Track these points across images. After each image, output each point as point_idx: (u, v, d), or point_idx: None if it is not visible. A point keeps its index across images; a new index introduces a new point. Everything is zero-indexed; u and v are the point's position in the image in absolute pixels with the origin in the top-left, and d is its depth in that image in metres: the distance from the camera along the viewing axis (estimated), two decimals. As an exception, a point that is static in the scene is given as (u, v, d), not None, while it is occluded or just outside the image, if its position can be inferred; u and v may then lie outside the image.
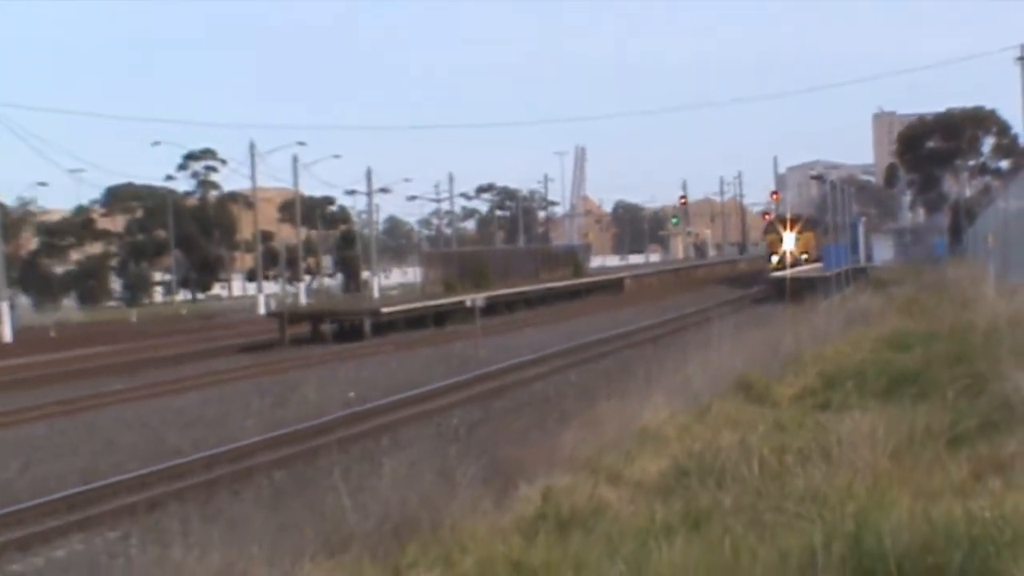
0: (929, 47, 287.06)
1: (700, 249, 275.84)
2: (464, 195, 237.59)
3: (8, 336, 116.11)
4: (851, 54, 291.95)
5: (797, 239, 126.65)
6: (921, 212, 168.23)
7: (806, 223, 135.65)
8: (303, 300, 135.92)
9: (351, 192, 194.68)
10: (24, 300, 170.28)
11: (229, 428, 42.14)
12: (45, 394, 60.13)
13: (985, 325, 39.15)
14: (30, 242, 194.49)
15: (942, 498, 17.06)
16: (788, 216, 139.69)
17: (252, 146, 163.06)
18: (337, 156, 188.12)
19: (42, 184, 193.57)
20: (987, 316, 41.92)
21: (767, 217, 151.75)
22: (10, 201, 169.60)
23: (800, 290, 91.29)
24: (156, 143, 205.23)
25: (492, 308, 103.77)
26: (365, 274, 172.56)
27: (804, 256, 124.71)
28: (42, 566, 24.10)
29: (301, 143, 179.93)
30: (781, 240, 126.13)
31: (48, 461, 38.58)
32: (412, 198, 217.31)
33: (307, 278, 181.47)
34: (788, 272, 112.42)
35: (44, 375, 72.70)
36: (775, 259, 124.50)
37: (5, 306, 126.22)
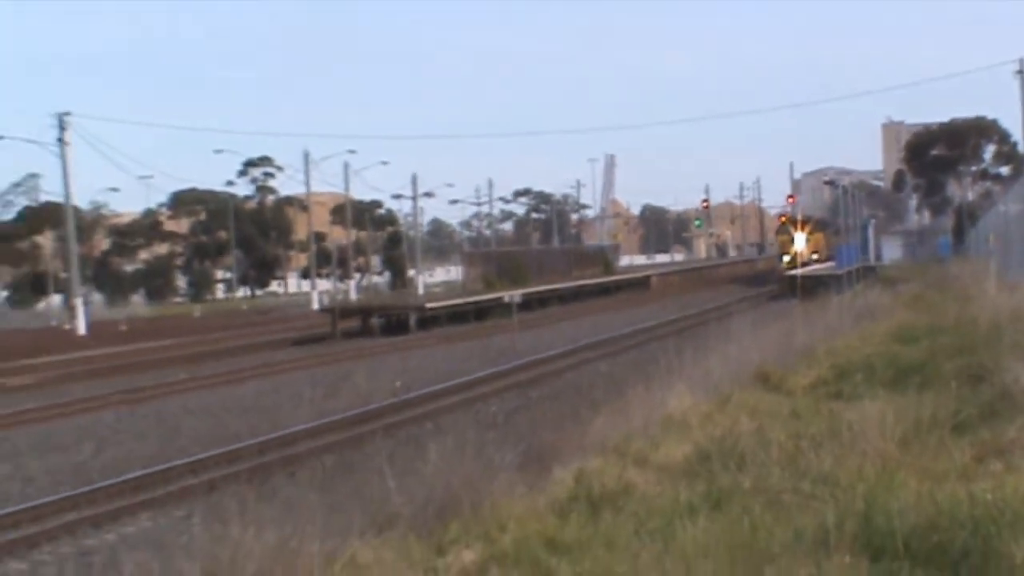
0: (936, 60, 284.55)
1: (721, 249, 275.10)
2: (502, 199, 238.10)
3: (83, 330, 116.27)
4: (862, 67, 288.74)
5: (808, 240, 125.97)
6: (927, 215, 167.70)
7: (816, 225, 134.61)
8: (353, 296, 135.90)
9: (398, 196, 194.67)
10: (97, 297, 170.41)
11: (284, 415, 42.18)
12: (116, 383, 60.22)
13: (987, 320, 39.09)
14: (102, 243, 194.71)
15: (946, 481, 17.10)
16: (799, 218, 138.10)
17: (306, 154, 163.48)
18: (385, 163, 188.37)
19: (113, 189, 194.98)
20: (989, 311, 41.83)
21: (781, 219, 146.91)
22: (84, 205, 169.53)
23: (814, 287, 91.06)
24: (218, 151, 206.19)
25: (528, 304, 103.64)
26: (411, 272, 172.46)
27: (814, 256, 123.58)
28: (114, 542, 24.18)
29: (351, 151, 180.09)
30: (792, 241, 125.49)
31: (118, 445, 38.69)
32: (454, 202, 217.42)
33: (357, 276, 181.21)
34: (801, 271, 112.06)
35: (115, 366, 72.76)
36: (787, 259, 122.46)
37: (80, 302, 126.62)
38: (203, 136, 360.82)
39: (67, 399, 53.73)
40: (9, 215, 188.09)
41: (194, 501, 26.69)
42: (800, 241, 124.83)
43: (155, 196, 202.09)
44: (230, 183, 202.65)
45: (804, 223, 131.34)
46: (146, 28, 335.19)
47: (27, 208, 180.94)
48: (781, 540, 14.67)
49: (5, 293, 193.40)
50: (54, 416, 48.00)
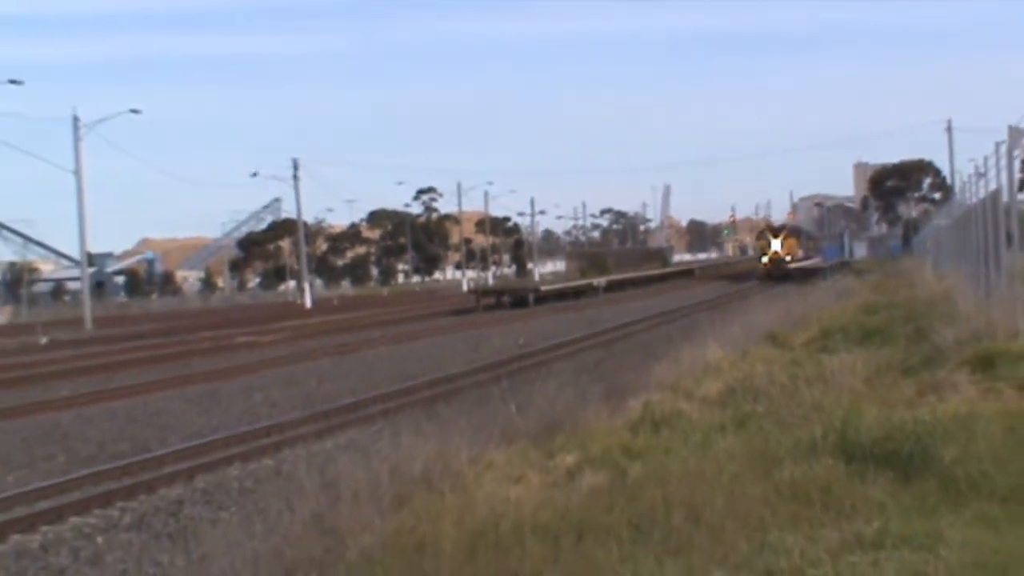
0: (891, 117, 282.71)
1: (743, 250, 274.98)
2: (592, 215, 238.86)
3: (309, 304, 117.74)
4: (840, 123, 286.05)
5: (783, 243, 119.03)
6: (884, 226, 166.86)
7: (789, 232, 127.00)
8: (490, 281, 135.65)
9: (521, 214, 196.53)
10: (318, 282, 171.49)
11: (445, 362, 42.18)
12: (331, 340, 60.39)
13: (925, 298, 38.91)
14: (322, 246, 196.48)
15: (897, 407, 16.92)
16: (776, 226, 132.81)
17: (459, 185, 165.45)
18: (513, 191, 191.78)
19: (329, 210, 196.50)
20: (926, 292, 41.65)
21: (761, 227, 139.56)
22: (310, 220, 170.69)
23: (808, 276, 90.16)
24: (399, 183, 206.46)
25: (610, 288, 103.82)
26: (530, 266, 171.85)
27: (787, 256, 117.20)
28: (331, 448, 24.11)
29: (490, 182, 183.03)
30: (770, 244, 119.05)
31: (333, 381, 38.71)
32: (559, 217, 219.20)
33: (492, 268, 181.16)
34: (801, 264, 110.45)
35: (330, 328, 72.98)
36: (764, 259, 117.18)
37: (307, 285, 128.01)
38: (389, 171, 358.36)
39: (299, 351, 53.96)
40: (261, 227, 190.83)
41: (384, 420, 26.64)
42: (776, 244, 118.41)
43: (357, 214, 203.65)
44: (407, 204, 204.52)
45: (779, 230, 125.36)
46: (363, 99, 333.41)
47: (273, 222, 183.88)
48: (784, 448, 14.54)
49: (258, 279, 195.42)
50: (291, 362, 48.25)
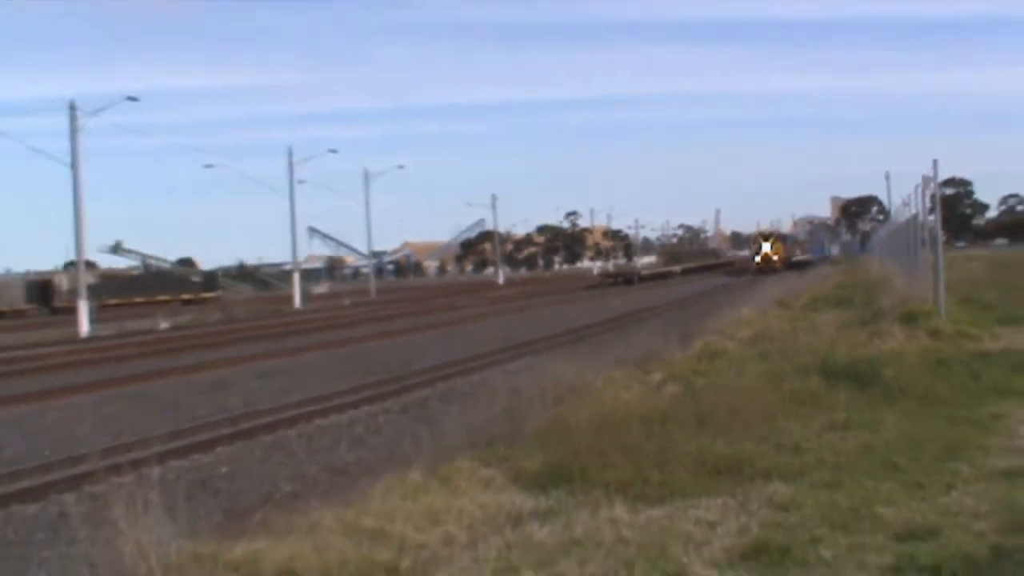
0: (860, 166, 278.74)
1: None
2: (674, 227, 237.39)
3: (501, 281, 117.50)
4: (823, 170, 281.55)
5: (772, 246, 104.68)
6: (850, 236, 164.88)
7: (777, 238, 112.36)
8: (610, 268, 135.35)
9: (630, 228, 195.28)
10: (507, 268, 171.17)
11: (578, 319, 41.86)
12: (515, 304, 60.30)
13: (873, 279, 38.32)
14: (508, 247, 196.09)
15: (857, 346, 16.80)
16: (766, 233, 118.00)
17: (591, 209, 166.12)
18: (624, 214, 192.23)
19: (513, 225, 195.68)
20: (874, 276, 40.96)
21: (757, 234, 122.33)
22: (502, 231, 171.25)
23: (803, 266, 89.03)
24: (556, 208, 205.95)
25: (683, 272, 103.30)
26: (634, 259, 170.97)
27: (775, 256, 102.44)
28: (514, 368, 23.90)
29: (611, 210, 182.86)
30: (761, 247, 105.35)
31: (515, 329, 38.57)
32: (652, 229, 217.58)
33: (612, 260, 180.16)
34: (798, 258, 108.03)
35: (513, 296, 72.94)
36: (757, 258, 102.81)
37: (500, 270, 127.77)
38: (550, 200, 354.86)
39: (495, 309, 54.17)
40: (473, 235, 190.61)
41: (545, 353, 26.42)
42: (766, 247, 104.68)
43: (530, 227, 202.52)
44: (561, 221, 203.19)
45: (769, 236, 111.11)
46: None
47: (480, 232, 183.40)
48: (788, 370, 14.41)
49: (471, 267, 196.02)
50: (490, 316, 48.42)
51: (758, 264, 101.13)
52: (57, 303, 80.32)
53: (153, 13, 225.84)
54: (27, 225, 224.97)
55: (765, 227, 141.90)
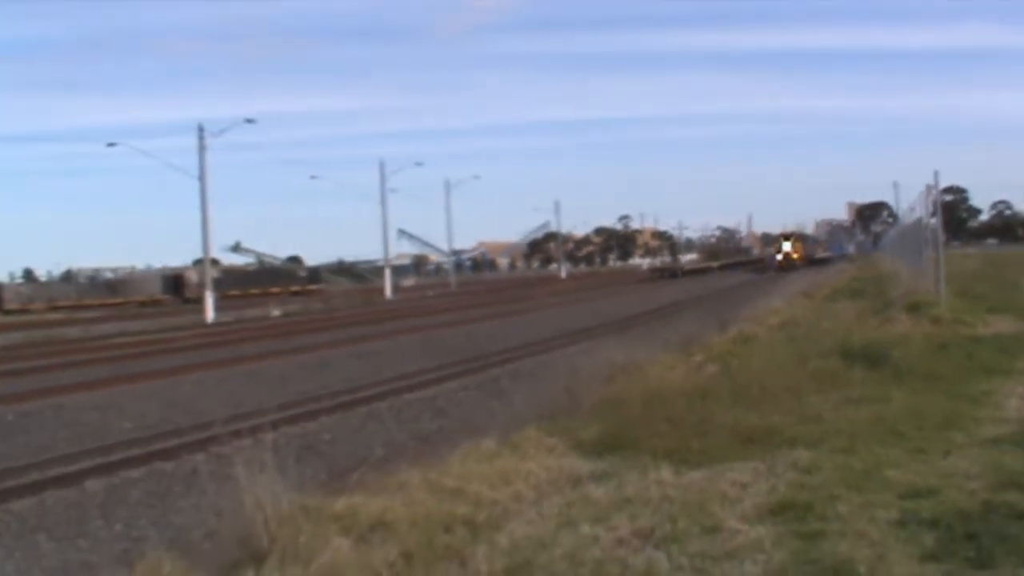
0: (874, 175, 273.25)
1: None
2: (713, 229, 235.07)
3: (563, 276, 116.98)
4: (842, 178, 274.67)
5: (792, 245, 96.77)
6: (864, 237, 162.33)
7: (797, 237, 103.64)
8: (658, 264, 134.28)
9: (675, 229, 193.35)
10: (568, 264, 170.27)
11: (628, 308, 41.78)
12: (572, 296, 60.17)
13: (884, 273, 37.76)
14: (570, 246, 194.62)
15: (870, 330, 16.63)
16: (786, 233, 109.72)
17: (641, 214, 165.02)
18: (671, 217, 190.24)
19: (574, 227, 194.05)
20: (885, 271, 40.33)
21: (779, 235, 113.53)
22: (564, 232, 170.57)
23: (823, 263, 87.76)
24: (612, 212, 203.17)
25: (721, 268, 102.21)
26: (678, 256, 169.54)
27: (795, 255, 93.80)
28: (573, 351, 23.86)
29: (658, 214, 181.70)
30: (782, 246, 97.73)
31: (573, 316, 38.46)
32: (694, 231, 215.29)
33: (659, 258, 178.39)
34: (818, 255, 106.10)
35: (572, 289, 72.83)
36: (779, 257, 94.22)
37: (562, 266, 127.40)
38: (606, 204, 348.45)
39: (557, 300, 54.08)
40: (539, 235, 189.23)
41: (601, 337, 26.39)
42: (787, 246, 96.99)
43: (587, 228, 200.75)
44: (615, 223, 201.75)
45: (790, 236, 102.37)
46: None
47: (544, 234, 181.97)
48: (812, 352, 14.19)
49: (538, 264, 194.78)
50: (552, 306, 48.33)
51: (779, 263, 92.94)
52: (187, 294, 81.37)
53: (268, 48, 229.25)
54: (162, 228, 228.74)
55: (791, 228, 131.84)
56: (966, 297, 23.54)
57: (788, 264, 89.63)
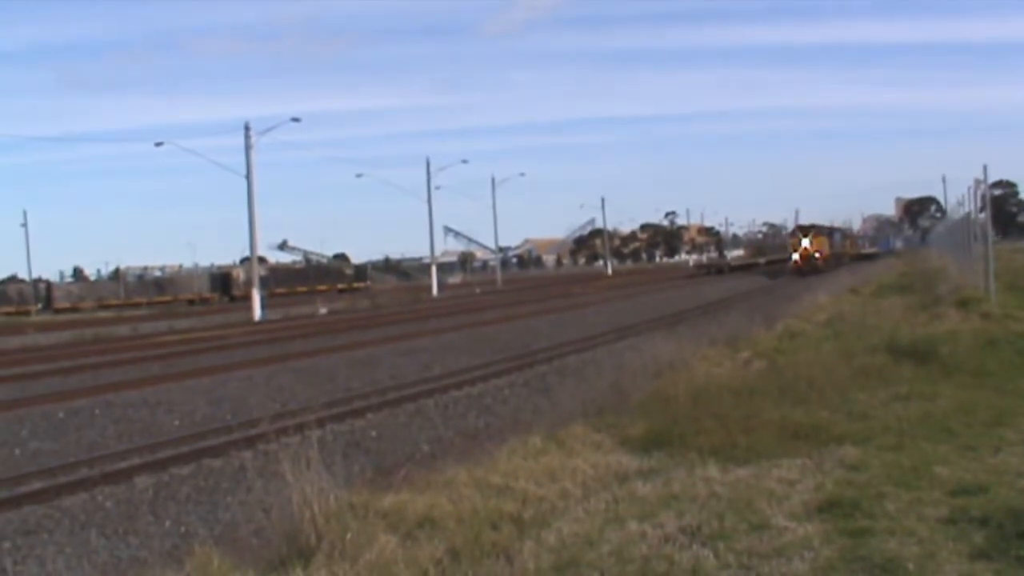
0: (919, 170, 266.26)
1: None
2: (759, 226, 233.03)
3: (609, 272, 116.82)
4: (890, 177, 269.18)
5: (812, 241, 76.40)
6: (912, 232, 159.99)
7: (818, 231, 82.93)
8: (704, 261, 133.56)
9: (722, 225, 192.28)
10: (614, 260, 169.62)
11: (674, 305, 41.50)
12: (614, 291, 59.99)
13: (932, 269, 37.32)
14: (616, 242, 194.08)
15: (919, 326, 16.50)
16: (805, 226, 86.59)
17: (687, 209, 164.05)
18: (717, 213, 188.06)
19: (620, 224, 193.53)
20: (933, 266, 39.88)
21: (796, 228, 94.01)
22: (610, 228, 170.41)
23: (871, 258, 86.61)
24: (658, 208, 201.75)
25: (767, 263, 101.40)
26: (725, 252, 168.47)
27: (816, 253, 74.70)
28: (620, 347, 23.68)
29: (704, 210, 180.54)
30: (800, 243, 77.04)
31: (620, 313, 38.30)
32: (740, 227, 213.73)
33: (705, 254, 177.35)
34: (867, 250, 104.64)
35: (615, 286, 72.65)
36: (795, 256, 75.91)
37: (608, 262, 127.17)
38: (651, 200, 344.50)
39: (604, 296, 53.94)
40: (585, 232, 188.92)
41: (648, 333, 26.18)
42: (806, 242, 76.40)
43: (633, 225, 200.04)
44: (661, 219, 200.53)
45: (808, 229, 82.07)
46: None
47: (590, 230, 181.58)
48: (859, 348, 14.19)
49: (584, 260, 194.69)
50: (599, 302, 48.19)
51: (795, 263, 73.25)
52: (235, 292, 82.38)
53: (314, 48, 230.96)
54: (210, 226, 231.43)
55: (839, 224, 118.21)
56: (1016, 292, 23.31)
57: (808, 266, 70.53)
